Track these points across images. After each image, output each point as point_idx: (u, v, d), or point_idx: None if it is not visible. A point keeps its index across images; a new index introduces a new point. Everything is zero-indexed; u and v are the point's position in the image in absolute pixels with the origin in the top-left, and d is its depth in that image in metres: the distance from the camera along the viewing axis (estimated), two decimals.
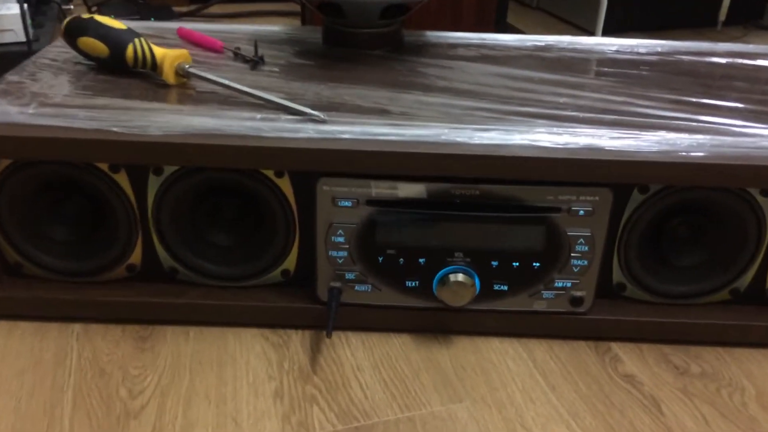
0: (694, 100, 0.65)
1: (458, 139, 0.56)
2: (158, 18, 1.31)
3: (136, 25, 0.79)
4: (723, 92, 0.67)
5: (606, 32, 1.21)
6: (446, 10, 1.08)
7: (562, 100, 0.65)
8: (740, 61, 0.77)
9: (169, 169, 0.57)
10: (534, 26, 1.32)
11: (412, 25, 1.04)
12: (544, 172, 0.55)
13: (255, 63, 0.70)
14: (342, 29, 0.75)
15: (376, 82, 0.67)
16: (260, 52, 0.72)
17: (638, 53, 0.78)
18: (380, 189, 0.56)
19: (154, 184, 0.57)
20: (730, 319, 0.61)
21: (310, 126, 0.57)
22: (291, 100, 0.60)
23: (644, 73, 0.72)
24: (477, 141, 0.56)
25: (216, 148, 0.54)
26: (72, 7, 1.42)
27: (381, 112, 0.60)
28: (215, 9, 1.44)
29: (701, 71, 0.73)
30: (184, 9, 1.45)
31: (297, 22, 1.40)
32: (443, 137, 0.56)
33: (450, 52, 0.77)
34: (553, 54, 0.77)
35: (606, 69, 0.74)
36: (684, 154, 0.55)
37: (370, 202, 0.57)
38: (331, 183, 0.56)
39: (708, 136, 0.57)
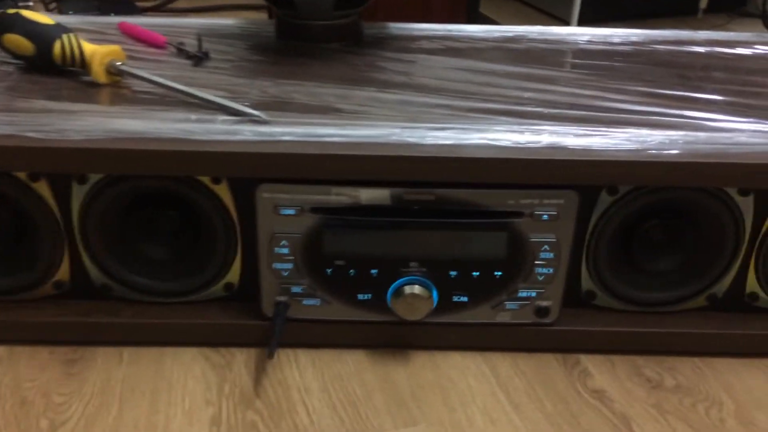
0: (669, 92, 0.61)
1: (410, 140, 0.51)
2: (119, 13, 1.25)
3: (81, 21, 0.74)
4: (700, 84, 0.63)
5: (582, 22, 1.17)
6: (416, 2, 1.04)
7: (527, 95, 0.60)
8: (720, 49, 0.72)
9: (94, 177, 0.52)
10: (509, 17, 1.27)
11: (380, 17, 0.99)
12: (503, 174, 0.51)
13: (198, 59, 0.65)
14: (295, 22, 0.70)
15: (330, 78, 0.62)
16: (206, 47, 0.67)
17: (612, 43, 0.73)
18: (326, 195, 0.52)
19: (78, 193, 0.52)
20: (708, 327, 0.57)
21: (249, 128, 0.52)
22: (233, 99, 0.56)
23: (617, 64, 0.68)
24: (430, 141, 0.51)
25: (140, 153, 0.49)
26: (32, 3, 1.36)
27: (330, 111, 0.55)
28: (181, 4, 1.39)
29: (678, 61, 0.69)
30: (148, 3, 1.40)
31: (265, 15, 1.35)
32: (394, 138, 0.51)
33: (412, 44, 0.72)
34: (522, 45, 0.73)
35: (577, 60, 0.69)
36: (655, 152, 0.51)
37: (315, 209, 0.52)
38: (272, 189, 0.51)
39: (682, 132, 0.53)
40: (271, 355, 0.52)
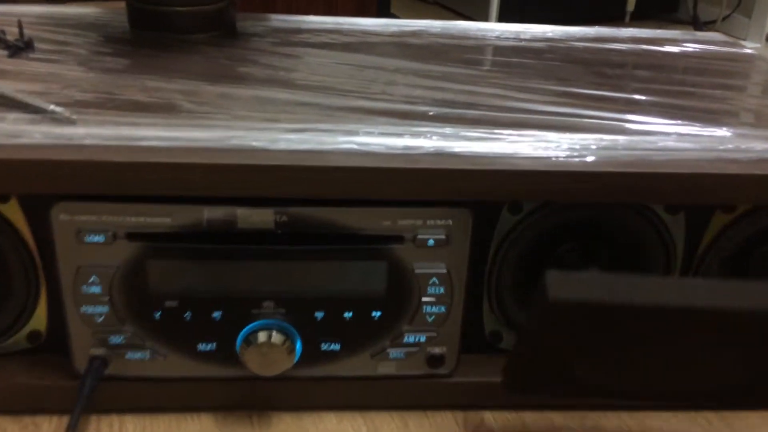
0: (584, 92, 0.51)
1: (255, 144, 0.40)
2: None
3: None
4: (622, 82, 0.54)
5: None
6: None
7: (417, 92, 0.49)
8: (646, 47, 0.64)
9: None
10: (423, 18, 1.18)
11: (276, 11, 0.88)
12: (374, 187, 0.40)
13: (17, 49, 0.53)
14: (147, 8, 0.58)
15: (182, 72, 0.51)
16: (38, 36, 0.55)
17: (524, 39, 0.64)
18: (145, 216, 0.40)
19: None
20: None
21: (45, 128, 0.40)
22: (42, 95, 0.44)
23: (528, 61, 0.58)
24: (282, 146, 0.40)
25: None
26: None
27: (166, 110, 0.43)
28: None
29: (598, 59, 0.60)
30: None
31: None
32: (233, 141, 0.40)
33: (294, 38, 0.61)
34: (421, 40, 0.63)
35: (482, 57, 0.60)
36: (563, 159, 0.41)
37: (132, 235, 0.40)
38: (72, 209, 0.39)
39: (597, 136, 0.43)
40: (70, 429, 0.39)
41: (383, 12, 0.99)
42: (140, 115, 0.42)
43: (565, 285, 0.32)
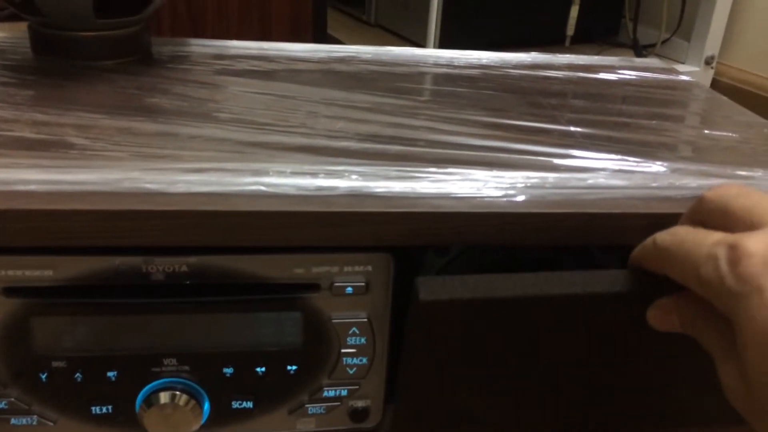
0: (516, 123, 0.49)
1: (150, 186, 0.36)
2: None
3: None
4: (556, 112, 0.52)
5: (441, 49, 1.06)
6: (252, 19, 0.89)
7: (339, 125, 0.46)
8: (582, 74, 0.62)
9: None
10: (362, 41, 1.15)
11: (206, 35, 0.85)
12: (283, 233, 0.36)
13: None
14: (49, 33, 0.54)
15: (83, 103, 0.46)
16: None
17: (458, 66, 0.62)
18: (24, 269, 0.35)
19: None
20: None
21: None
22: None
23: (460, 90, 0.56)
24: (181, 188, 0.36)
25: None
26: None
27: (54, 147, 0.39)
28: None
29: (533, 88, 0.58)
30: None
31: None
32: (125, 184, 0.36)
33: (215, 64, 0.57)
34: (350, 67, 0.60)
35: (412, 86, 0.57)
36: (489, 200, 0.38)
37: (10, 290, 0.36)
38: None
39: (526, 173, 0.40)
40: None
41: (319, 35, 0.96)
42: (22, 155, 0.37)
43: (434, 287, 0.34)
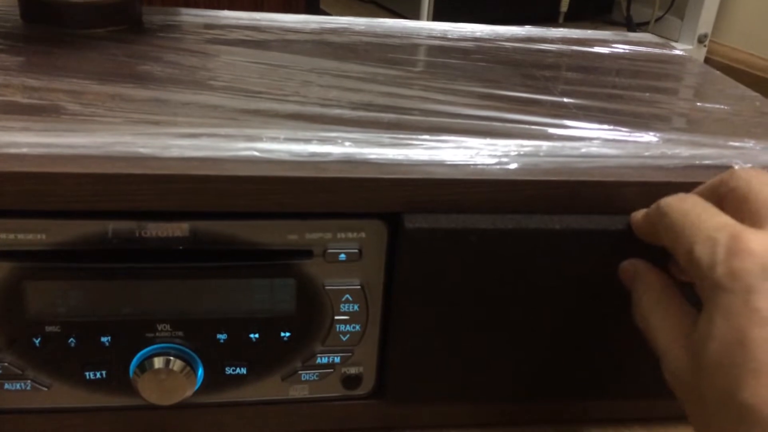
0: (509, 94, 0.49)
1: (142, 150, 0.36)
2: None
3: None
4: (548, 84, 0.52)
5: None
6: None
7: (332, 94, 0.46)
8: (575, 48, 0.62)
9: None
10: (354, 15, 1.15)
11: (198, 5, 0.84)
12: (277, 198, 0.36)
13: None
14: (39, 0, 0.53)
15: (74, 70, 0.46)
16: None
17: (452, 39, 0.62)
18: (16, 232, 0.35)
19: None
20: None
21: None
22: None
23: (454, 61, 0.55)
24: (174, 153, 0.36)
25: None
26: None
27: (46, 112, 0.39)
28: None
29: (526, 60, 0.57)
30: None
31: None
32: (118, 148, 0.36)
33: (206, 34, 0.57)
34: (343, 39, 0.59)
35: (405, 56, 0.57)
36: (482, 167, 0.38)
37: (3, 254, 0.35)
38: None
39: (519, 141, 0.40)
40: None
41: (312, 8, 0.95)
42: (13, 119, 0.37)
43: (418, 218, 0.37)
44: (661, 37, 1.27)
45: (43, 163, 0.34)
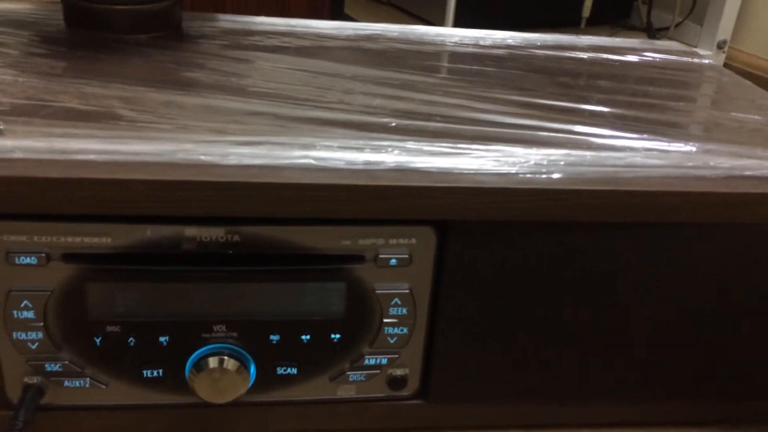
0: (547, 102, 0.50)
1: (204, 158, 0.37)
2: None
3: None
4: (584, 93, 0.53)
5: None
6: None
7: (376, 102, 0.47)
8: (606, 56, 0.63)
9: None
10: (378, 20, 1.16)
11: (226, 11, 0.85)
12: (331, 205, 0.37)
13: None
14: (84, 5, 0.54)
15: (122, 76, 0.47)
16: None
17: (484, 46, 0.63)
18: (82, 236, 0.36)
19: None
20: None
21: None
22: None
23: (489, 69, 0.57)
24: (233, 160, 0.37)
25: None
26: None
27: (105, 119, 0.40)
28: None
29: (559, 68, 0.59)
30: None
31: None
32: (180, 155, 0.37)
33: (244, 40, 0.58)
34: (378, 45, 0.60)
35: (442, 64, 0.58)
36: (530, 176, 0.39)
37: (69, 256, 0.37)
38: (1, 229, 0.36)
39: (564, 151, 0.41)
40: None
41: (337, 12, 0.96)
42: (75, 125, 0.38)
43: (468, 226, 0.39)
44: (681, 42, 1.28)
45: (112, 170, 0.35)
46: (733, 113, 0.51)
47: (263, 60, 0.54)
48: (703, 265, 0.41)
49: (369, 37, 0.62)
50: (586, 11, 1.22)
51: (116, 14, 0.54)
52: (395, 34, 0.63)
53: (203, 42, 0.57)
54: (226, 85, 0.48)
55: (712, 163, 0.40)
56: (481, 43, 0.63)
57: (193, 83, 0.48)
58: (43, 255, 0.36)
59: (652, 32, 1.24)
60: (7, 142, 0.36)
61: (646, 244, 0.41)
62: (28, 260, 0.36)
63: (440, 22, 1.10)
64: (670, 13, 1.29)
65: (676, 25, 1.29)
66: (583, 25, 1.25)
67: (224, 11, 0.65)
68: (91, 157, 0.36)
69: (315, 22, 0.64)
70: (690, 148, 0.43)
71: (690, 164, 0.40)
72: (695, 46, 1.24)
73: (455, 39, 0.64)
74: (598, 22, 1.29)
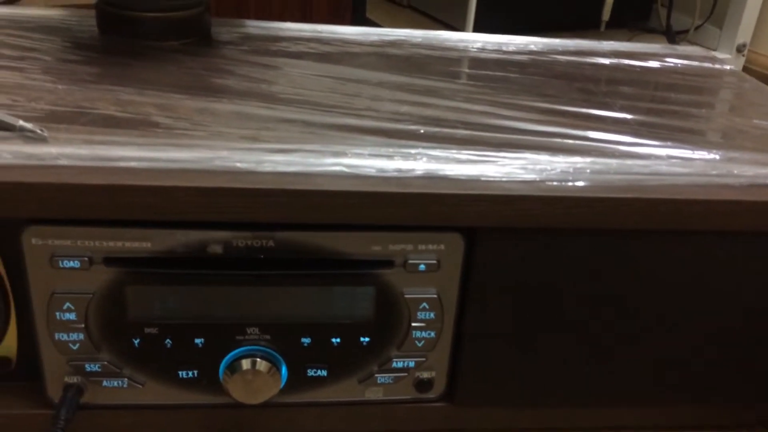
0: (571, 109, 0.50)
1: (240, 166, 0.38)
2: None
3: None
4: (607, 100, 0.53)
5: (477, 32, 1.08)
6: (294, 1, 0.91)
7: (403, 109, 0.48)
8: (627, 62, 0.63)
9: None
10: (400, 25, 1.16)
11: (249, 16, 0.86)
12: (364, 212, 0.38)
13: None
14: (117, 13, 0.55)
15: (155, 83, 0.48)
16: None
17: (506, 52, 0.63)
18: (123, 241, 0.38)
19: None
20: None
21: (16, 147, 0.37)
22: (4, 107, 0.41)
23: (512, 75, 0.57)
24: (267, 168, 0.38)
25: None
26: None
27: (142, 126, 0.41)
28: None
29: (581, 74, 0.59)
30: None
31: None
32: (217, 162, 0.38)
33: (271, 46, 0.59)
34: (402, 51, 0.61)
35: (466, 70, 0.59)
36: (557, 183, 0.40)
37: (110, 260, 0.38)
38: (45, 233, 0.37)
39: (589, 159, 0.42)
40: None
41: (358, 17, 0.97)
42: (115, 132, 0.40)
43: (495, 233, 0.40)
44: (700, 46, 1.28)
45: (153, 177, 0.36)
46: (755, 120, 0.52)
47: (291, 66, 0.55)
48: (728, 273, 0.42)
49: (393, 43, 0.63)
50: (606, 14, 1.23)
51: (148, 21, 0.56)
52: (419, 39, 0.64)
53: (232, 48, 0.58)
54: (256, 92, 0.49)
55: (736, 171, 0.41)
56: (504, 48, 0.64)
57: (224, 90, 0.49)
58: (86, 259, 0.37)
59: (672, 35, 1.24)
60: (52, 149, 0.37)
61: (671, 253, 0.41)
62: (71, 264, 0.38)
63: (460, 25, 1.11)
64: (690, 16, 1.29)
65: (696, 28, 1.29)
66: (602, 29, 1.26)
67: (248, 17, 0.66)
68: (132, 164, 0.37)
69: (340, 27, 0.65)
70: (714, 156, 0.43)
71: (714, 172, 0.41)
72: (715, 49, 1.24)
73: (478, 45, 0.64)
74: (618, 25, 1.29)
